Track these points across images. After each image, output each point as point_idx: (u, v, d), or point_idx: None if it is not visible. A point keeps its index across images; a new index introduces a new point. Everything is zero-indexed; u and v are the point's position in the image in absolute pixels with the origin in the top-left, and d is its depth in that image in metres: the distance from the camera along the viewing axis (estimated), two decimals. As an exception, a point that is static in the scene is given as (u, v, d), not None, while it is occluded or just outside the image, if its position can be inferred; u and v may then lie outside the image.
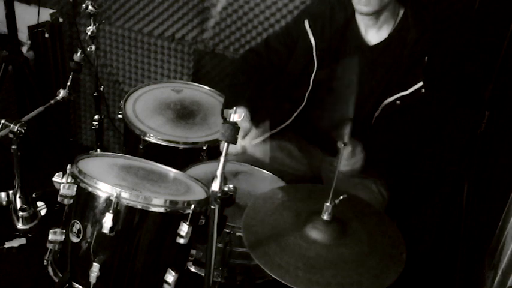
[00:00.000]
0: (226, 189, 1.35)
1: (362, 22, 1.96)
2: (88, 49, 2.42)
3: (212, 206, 1.36)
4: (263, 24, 2.61)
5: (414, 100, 1.92)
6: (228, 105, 1.94)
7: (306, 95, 2.04)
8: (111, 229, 1.53)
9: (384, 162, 2.02)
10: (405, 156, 2.09)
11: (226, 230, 1.69)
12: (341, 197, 1.50)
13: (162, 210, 1.58)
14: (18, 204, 2.23)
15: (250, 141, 1.83)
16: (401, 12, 1.94)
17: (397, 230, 1.60)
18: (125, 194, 1.54)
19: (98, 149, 2.72)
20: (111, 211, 1.52)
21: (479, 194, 2.26)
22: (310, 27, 1.99)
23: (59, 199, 1.62)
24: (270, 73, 2.10)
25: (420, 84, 1.88)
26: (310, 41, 1.99)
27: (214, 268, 1.49)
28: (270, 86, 2.12)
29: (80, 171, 1.62)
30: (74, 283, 1.60)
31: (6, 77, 2.70)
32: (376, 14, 1.88)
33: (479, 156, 2.32)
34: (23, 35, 2.90)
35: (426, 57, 1.89)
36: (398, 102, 1.93)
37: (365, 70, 1.99)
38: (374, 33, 1.96)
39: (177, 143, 2.20)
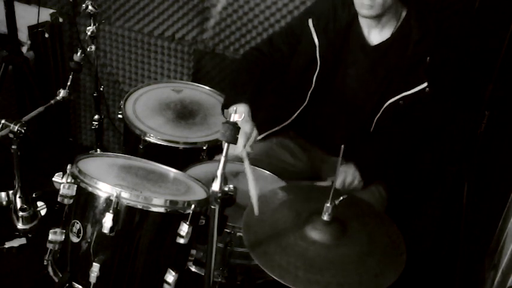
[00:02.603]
0: (226, 189, 1.35)
1: (365, 23, 1.96)
2: (88, 49, 2.42)
3: (212, 206, 1.36)
4: (263, 24, 2.61)
5: (417, 99, 1.92)
6: (229, 102, 1.94)
7: (308, 94, 2.05)
8: (111, 229, 1.53)
9: (386, 166, 2.03)
10: (405, 157, 2.09)
11: (227, 230, 1.69)
12: (341, 198, 1.50)
13: (162, 210, 1.57)
14: (18, 204, 2.22)
15: (251, 145, 1.82)
16: (404, 13, 1.95)
17: (397, 230, 1.60)
18: (125, 194, 1.54)
19: (98, 149, 2.72)
20: (111, 211, 1.52)
21: (479, 194, 2.26)
22: (313, 26, 1.99)
23: (59, 199, 1.62)
24: (272, 71, 2.10)
25: (424, 84, 1.89)
26: (313, 40, 1.99)
27: (215, 268, 1.48)
28: (273, 84, 2.13)
29: (80, 171, 1.62)
30: (74, 283, 1.60)
31: (6, 77, 2.70)
32: (378, 16, 1.89)
33: (479, 156, 2.32)
34: (23, 35, 2.90)
35: (428, 58, 1.89)
36: (401, 102, 1.94)
37: (367, 70, 2.00)
38: (376, 34, 1.96)
39: (177, 143, 2.20)
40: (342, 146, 1.45)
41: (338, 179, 1.94)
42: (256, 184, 1.53)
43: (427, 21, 1.93)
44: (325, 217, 1.50)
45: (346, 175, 1.96)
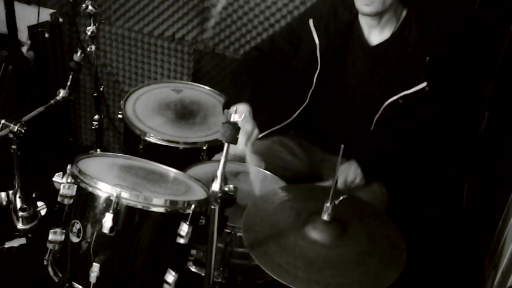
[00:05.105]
0: (226, 189, 1.35)
1: (365, 22, 1.96)
2: (88, 49, 2.42)
3: (212, 206, 1.36)
4: (263, 24, 2.61)
5: (417, 99, 1.92)
6: (230, 102, 1.94)
7: (309, 93, 2.05)
8: (111, 229, 1.52)
9: (387, 164, 2.03)
10: (406, 157, 2.09)
11: (227, 230, 1.69)
12: (341, 198, 1.49)
13: (162, 210, 1.57)
14: (18, 204, 2.23)
15: (252, 143, 1.83)
16: (404, 13, 1.95)
17: (397, 230, 1.60)
18: (125, 194, 1.54)
19: (98, 149, 2.73)
20: (111, 211, 1.52)
21: (479, 194, 2.26)
22: (314, 26, 2.00)
23: (59, 199, 1.62)
24: (273, 71, 2.11)
25: (424, 84, 1.89)
26: (314, 40, 2.00)
27: (215, 268, 1.48)
28: (273, 84, 2.13)
29: (80, 171, 1.62)
30: (74, 283, 1.60)
31: (6, 77, 2.70)
32: (378, 15, 1.89)
33: (479, 156, 2.32)
34: (23, 35, 2.90)
35: (428, 57, 1.89)
36: (401, 101, 1.94)
37: (367, 70, 2.00)
38: (377, 34, 1.97)
39: (177, 143, 2.20)
40: (342, 145, 1.45)
41: (340, 177, 1.94)
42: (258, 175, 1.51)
43: (427, 21, 1.93)
44: (325, 217, 1.50)
45: (348, 173, 1.96)
